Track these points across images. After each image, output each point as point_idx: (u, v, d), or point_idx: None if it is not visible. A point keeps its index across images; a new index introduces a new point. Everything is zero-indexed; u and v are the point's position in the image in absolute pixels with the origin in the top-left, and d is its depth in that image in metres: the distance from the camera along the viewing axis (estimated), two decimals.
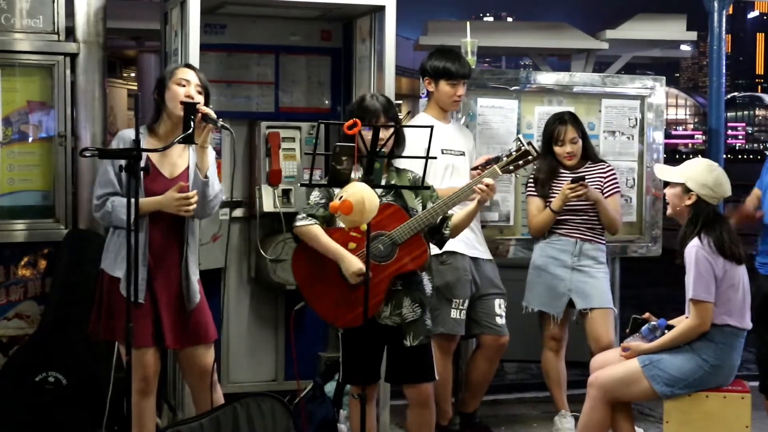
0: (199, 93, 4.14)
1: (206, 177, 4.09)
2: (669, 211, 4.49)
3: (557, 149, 5.21)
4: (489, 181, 4.15)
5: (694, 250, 4.27)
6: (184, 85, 4.11)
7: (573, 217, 5.20)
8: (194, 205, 4.04)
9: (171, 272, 4.15)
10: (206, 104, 4.15)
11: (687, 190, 4.37)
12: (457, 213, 4.26)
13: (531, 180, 5.32)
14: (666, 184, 4.56)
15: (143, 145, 4.01)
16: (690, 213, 4.37)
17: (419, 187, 4.15)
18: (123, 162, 3.70)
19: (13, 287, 5.00)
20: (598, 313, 5.17)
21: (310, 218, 4.13)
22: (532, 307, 5.30)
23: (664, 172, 4.57)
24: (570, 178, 5.12)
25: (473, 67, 5.49)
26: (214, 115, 4.03)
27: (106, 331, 4.15)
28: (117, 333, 4.10)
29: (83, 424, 4.84)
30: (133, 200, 3.59)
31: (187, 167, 4.17)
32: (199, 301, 4.22)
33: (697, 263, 4.25)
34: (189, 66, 4.24)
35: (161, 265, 4.12)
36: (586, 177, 5.15)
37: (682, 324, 4.33)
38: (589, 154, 5.32)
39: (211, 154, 4.20)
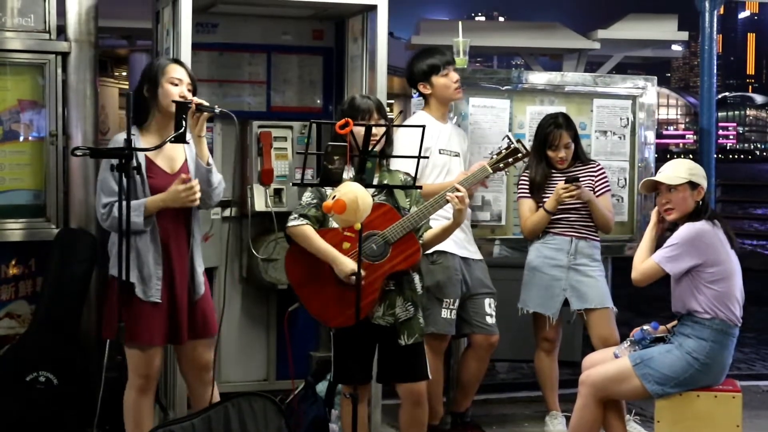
0: (189, 91, 4.15)
1: (209, 164, 4.09)
2: (674, 216, 4.40)
3: (550, 153, 5.21)
4: (462, 190, 4.12)
5: (695, 228, 4.29)
6: (177, 84, 4.11)
7: (567, 215, 5.20)
8: (199, 193, 4.02)
9: (183, 265, 4.16)
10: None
11: (694, 186, 4.38)
12: (434, 228, 4.26)
13: (522, 182, 5.32)
14: (655, 193, 4.53)
15: (138, 144, 4.02)
16: (696, 206, 4.38)
17: (412, 186, 4.15)
18: (115, 162, 3.71)
19: (4, 287, 4.99)
20: (598, 313, 5.16)
21: (302, 218, 4.13)
22: (527, 308, 5.29)
23: (671, 178, 4.39)
24: (563, 179, 5.12)
25: (465, 66, 5.49)
26: (206, 104, 4.05)
27: (129, 340, 4.08)
28: (133, 334, 4.05)
29: (74, 423, 4.83)
30: (132, 199, 3.61)
31: (186, 160, 4.18)
32: (203, 293, 4.23)
33: (687, 240, 4.27)
34: (177, 62, 4.23)
35: (174, 260, 4.13)
36: (579, 177, 5.16)
37: (646, 262, 4.36)
38: (579, 155, 5.32)
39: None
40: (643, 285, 4.41)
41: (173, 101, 4.04)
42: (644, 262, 4.39)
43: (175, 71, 4.14)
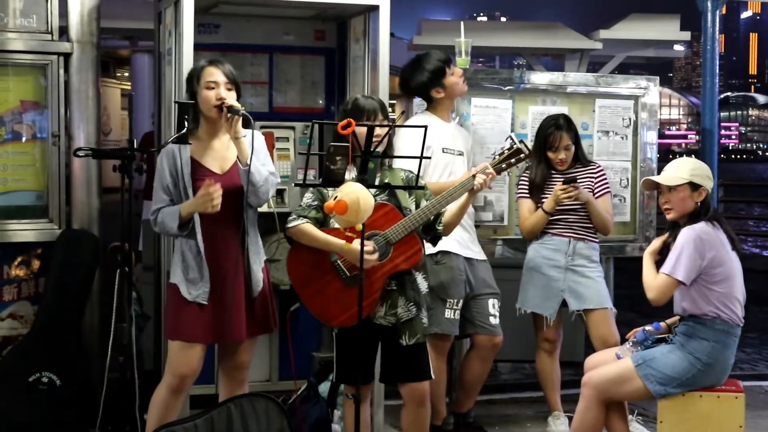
0: (229, 90, 4.13)
1: (246, 166, 4.06)
2: (673, 216, 4.40)
3: (550, 154, 5.21)
4: (485, 175, 4.15)
5: (695, 231, 4.27)
6: (213, 88, 4.10)
7: (565, 216, 5.21)
8: (218, 200, 3.96)
9: (233, 265, 4.15)
10: (238, 96, 4.16)
11: (695, 188, 4.36)
12: (449, 208, 4.25)
13: (522, 182, 5.32)
14: (658, 192, 4.52)
15: (187, 150, 4.07)
16: (696, 207, 4.37)
17: (413, 187, 4.15)
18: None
19: (7, 287, 4.99)
20: (598, 314, 5.16)
21: (301, 219, 4.13)
22: (525, 308, 5.30)
23: (670, 179, 4.39)
24: (562, 180, 5.12)
25: (467, 66, 5.49)
26: (237, 105, 4.05)
27: (174, 334, 4.16)
28: (174, 330, 4.15)
29: (77, 424, 4.83)
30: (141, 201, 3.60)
31: (237, 160, 4.16)
32: (261, 290, 4.23)
33: (690, 244, 4.24)
34: (213, 63, 4.19)
35: (225, 260, 4.13)
36: (577, 178, 5.15)
37: (657, 278, 4.30)
38: (579, 157, 5.31)
39: (258, 138, 4.15)
40: (662, 303, 4.32)
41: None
42: (655, 278, 4.35)
43: (211, 75, 4.12)
